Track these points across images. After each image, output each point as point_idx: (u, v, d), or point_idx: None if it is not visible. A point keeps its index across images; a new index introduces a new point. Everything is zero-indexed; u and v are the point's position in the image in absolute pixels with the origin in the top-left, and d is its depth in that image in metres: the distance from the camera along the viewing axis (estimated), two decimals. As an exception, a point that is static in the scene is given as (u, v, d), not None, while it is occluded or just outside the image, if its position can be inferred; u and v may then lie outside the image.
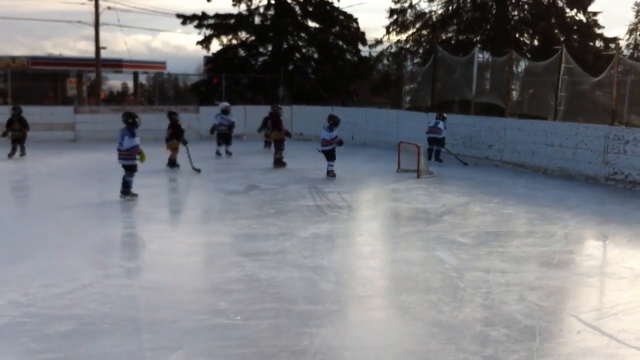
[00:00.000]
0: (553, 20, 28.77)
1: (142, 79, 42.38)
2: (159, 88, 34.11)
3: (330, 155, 13.41)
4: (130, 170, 10.57)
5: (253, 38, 30.01)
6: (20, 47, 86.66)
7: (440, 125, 16.48)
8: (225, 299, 5.88)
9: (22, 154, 15.82)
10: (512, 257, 7.52)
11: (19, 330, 5.03)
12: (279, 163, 14.84)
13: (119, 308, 5.60)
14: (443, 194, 11.63)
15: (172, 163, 14.30)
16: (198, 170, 13.63)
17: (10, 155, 15.58)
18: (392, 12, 30.52)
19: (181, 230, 8.29)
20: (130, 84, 46.46)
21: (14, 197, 10.78)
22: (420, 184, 12.62)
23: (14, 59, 35.85)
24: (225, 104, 17.68)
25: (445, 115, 17.00)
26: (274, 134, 15.28)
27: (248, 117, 21.89)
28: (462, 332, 5.17)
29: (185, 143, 13.99)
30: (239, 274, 6.67)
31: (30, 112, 19.86)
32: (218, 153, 16.98)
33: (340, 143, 13.60)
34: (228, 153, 17.05)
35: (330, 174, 13.27)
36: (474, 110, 19.64)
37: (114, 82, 51.75)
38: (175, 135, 14.27)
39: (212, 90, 29.19)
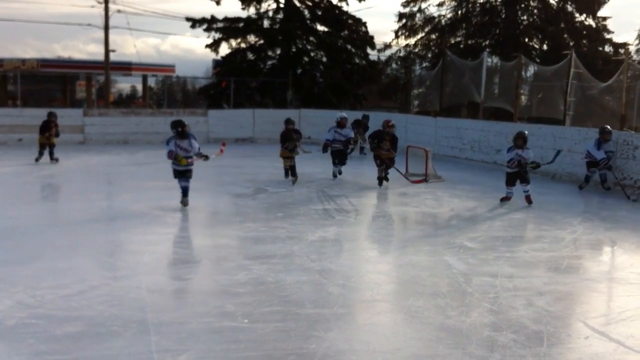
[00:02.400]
0: (562, 25, 28.73)
1: (151, 82, 42.63)
2: (167, 91, 34.20)
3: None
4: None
5: (262, 41, 30.08)
6: (30, 49, 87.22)
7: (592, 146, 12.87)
8: (233, 301, 5.88)
9: (53, 159, 15.19)
10: (520, 262, 7.49)
11: (26, 332, 5.05)
12: (382, 180, 12.79)
13: (126, 310, 5.61)
14: (451, 198, 11.62)
15: (288, 173, 13.31)
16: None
17: (37, 159, 15.00)
18: (401, 16, 30.57)
19: (188, 233, 8.30)
20: (139, 87, 46.67)
21: (23, 199, 10.82)
22: (428, 188, 12.61)
23: (23, 61, 36.04)
24: (341, 114, 14.59)
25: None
26: (390, 153, 12.66)
27: (256, 120, 21.91)
28: (470, 336, 5.16)
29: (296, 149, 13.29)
30: (246, 277, 6.67)
31: (40, 115, 19.98)
32: (335, 175, 13.89)
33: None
34: (339, 172, 13.97)
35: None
36: (482, 114, 19.61)
37: (123, 85, 52.07)
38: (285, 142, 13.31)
39: (220, 93, 29.27)
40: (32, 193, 11.39)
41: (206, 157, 10.20)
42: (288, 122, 13.56)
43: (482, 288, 6.40)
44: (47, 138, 15.13)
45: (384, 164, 12.63)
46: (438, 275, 6.85)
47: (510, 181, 11.22)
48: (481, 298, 6.13)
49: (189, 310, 5.78)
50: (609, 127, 12.79)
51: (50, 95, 40.19)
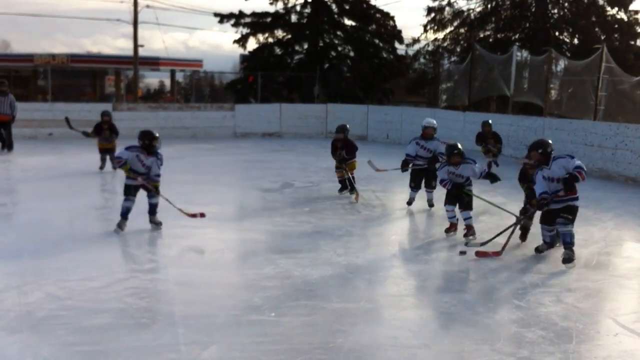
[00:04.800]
0: (593, 19, 28.30)
1: (179, 76, 42.87)
2: (195, 86, 34.39)
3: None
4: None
5: (289, 36, 30.11)
6: (60, 45, 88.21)
7: None
8: (260, 295, 5.91)
9: (114, 167, 12.82)
10: (550, 258, 7.41)
11: (56, 323, 5.12)
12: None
13: (154, 302, 5.67)
14: (479, 193, 11.50)
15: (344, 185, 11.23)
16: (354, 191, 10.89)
17: (102, 167, 13.22)
18: (429, 10, 30.34)
19: (216, 227, 8.34)
20: (167, 82, 46.99)
21: (52, 192, 10.97)
22: (455, 183, 12.51)
23: (54, 56, 36.51)
24: (428, 121, 10.45)
25: None
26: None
27: (283, 115, 21.94)
28: (497, 332, 5.12)
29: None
30: (273, 271, 6.69)
31: (69, 109, 20.23)
32: (409, 202, 10.42)
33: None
34: (430, 205, 10.35)
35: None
36: (511, 109, 19.41)
37: (151, 79, 52.45)
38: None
39: (247, 88, 29.37)
40: (61, 186, 11.53)
41: (156, 190, 8.27)
42: (337, 130, 11.19)
43: (510, 284, 6.34)
44: (105, 142, 13.20)
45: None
46: (465, 271, 6.81)
47: (448, 200, 8.51)
48: (509, 294, 6.08)
49: (216, 303, 5.81)
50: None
51: (80, 90, 40.64)
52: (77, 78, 40.48)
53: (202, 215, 8.58)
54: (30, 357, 4.51)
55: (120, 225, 8.22)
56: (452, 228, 8.41)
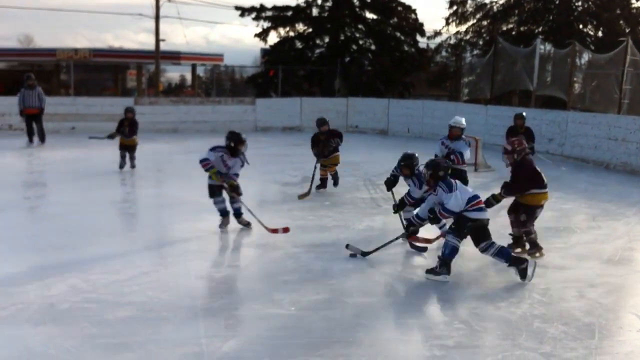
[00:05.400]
0: (618, 11, 27.89)
1: (200, 70, 42.97)
2: (215, 80, 34.47)
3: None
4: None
5: (310, 30, 30.04)
6: (83, 39, 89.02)
7: None
8: (280, 289, 5.92)
9: (132, 165, 12.63)
10: (572, 253, 7.34)
11: (79, 315, 5.18)
12: None
13: (176, 296, 5.70)
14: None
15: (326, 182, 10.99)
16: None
17: (121, 166, 12.49)
18: (451, 3, 30.08)
19: (235, 221, 8.36)
20: (188, 76, 47.14)
21: (75, 186, 11.06)
22: (478, 177, 12.42)
23: (76, 51, 36.78)
24: (455, 120, 9.46)
25: None
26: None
27: (304, 109, 21.92)
28: (519, 328, 5.08)
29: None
30: (293, 265, 6.71)
31: (92, 104, 20.45)
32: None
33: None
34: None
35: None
36: (534, 103, 19.23)
37: (172, 74, 52.62)
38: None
39: (268, 82, 29.38)
40: (83, 180, 11.62)
41: (234, 189, 7.86)
42: (320, 123, 10.79)
43: (532, 279, 6.28)
44: (126, 138, 12.57)
45: None
46: (487, 266, 6.76)
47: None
48: (531, 289, 6.02)
49: (236, 297, 5.84)
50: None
51: (102, 84, 40.95)
52: (99, 72, 40.79)
53: (286, 230, 7.84)
54: (53, 349, 4.56)
55: (224, 223, 8.00)
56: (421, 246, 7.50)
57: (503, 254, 6.28)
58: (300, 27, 30.20)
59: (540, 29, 28.30)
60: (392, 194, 8.17)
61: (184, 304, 5.49)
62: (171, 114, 20.82)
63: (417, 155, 7.50)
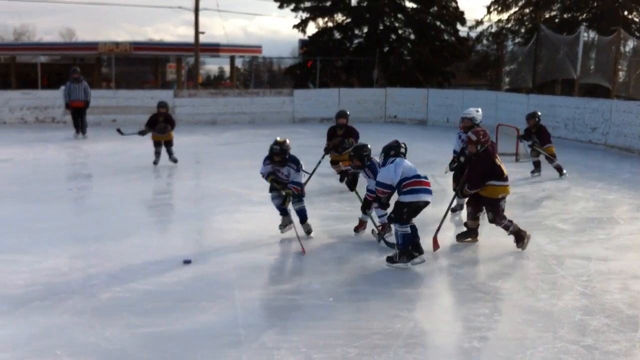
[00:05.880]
0: (665, -3, 27.18)
1: (238, 62, 43.17)
2: (254, 72, 34.61)
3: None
4: None
5: (349, 20, 29.91)
6: (124, 33, 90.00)
7: None
8: (318, 280, 5.91)
9: (174, 160, 12.23)
10: (615, 244, 7.18)
11: (120, 305, 5.25)
12: None
13: (214, 286, 5.73)
14: (543, 178, 11.23)
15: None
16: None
17: (156, 162, 12.13)
18: (493, -9, 29.66)
19: (273, 212, 8.36)
20: (227, 68, 47.38)
21: (115, 177, 11.20)
22: (518, 167, 12.22)
23: (117, 44, 37.26)
24: (468, 111, 8.61)
25: None
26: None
27: (342, 100, 21.86)
28: (561, 320, 4.98)
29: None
30: (331, 256, 6.69)
31: (132, 96, 20.71)
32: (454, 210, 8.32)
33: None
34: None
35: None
36: (577, 91, 18.85)
37: (211, 66, 52.98)
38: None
39: (306, 73, 29.36)
40: (124, 172, 11.75)
41: (291, 196, 7.25)
42: (339, 115, 10.31)
43: (574, 271, 6.16)
44: (160, 134, 12.11)
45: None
46: (528, 257, 6.65)
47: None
48: (573, 281, 5.90)
49: (274, 287, 5.85)
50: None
51: (142, 77, 41.42)
52: (140, 65, 41.26)
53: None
54: (94, 337, 4.62)
55: (284, 223, 7.43)
56: (360, 226, 7.51)
57: (404, 240, 6.23)
58: (339, 17, 30.09)
59: (584, 16, 27.72)
60: (356, 193, 7.83)
61: (222, 294, 5.51)
62: (210, 106, 20.94)
63: (369, 146, 7.18)
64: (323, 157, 10.37)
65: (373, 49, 27.87)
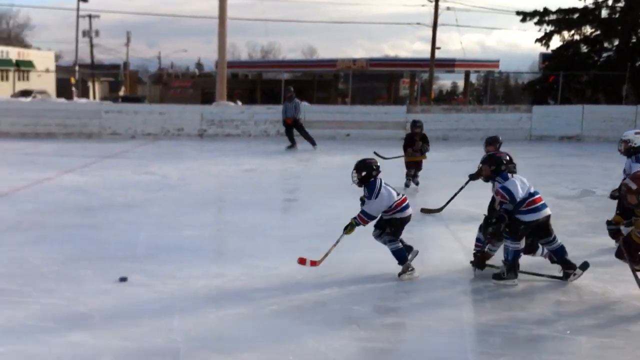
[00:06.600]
0: None
1: (473, 77, 42.61)
2: (489, 87, 33.85)
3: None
4: None
5: (598, 32, 28.15)
6: (361, 49, 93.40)
7: None
8: (552, 310, 5.50)
9: (416, 182, 11.59)
10: None
11: (349, 317, 5.36)
12: None
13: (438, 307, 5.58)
14: None
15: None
16: None
17: (407, 185, 11.50)
18: None
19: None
20: (460, 83, 47.07)
21: (347, 190, 11.37)
22: None
23: (354, 61, 38.67)
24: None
25: None
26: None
27: (585, 117, 20.48)
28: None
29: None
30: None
31: (367, 112, 21.22)
32: None
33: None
34: None
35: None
36: None
37: (444, 81, 52.95)
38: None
39: (546, 88, 28.11)
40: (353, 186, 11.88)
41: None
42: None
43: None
44: (416, 154, 11.44)
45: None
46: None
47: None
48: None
49: (506, 314, 5.52)
50: None
51: (376, 92, 42.53)
52: (374, 81, 42.47)
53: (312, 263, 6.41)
54: (324, 346, 4.68)
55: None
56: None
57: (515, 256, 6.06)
58: (587, 30, 28.45)
59: None
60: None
61: (449, 316, 5.32)
62: (442, 121, 20.79)
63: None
64: (467, 182, 9.49)
65: (624, 63, 25.88)
